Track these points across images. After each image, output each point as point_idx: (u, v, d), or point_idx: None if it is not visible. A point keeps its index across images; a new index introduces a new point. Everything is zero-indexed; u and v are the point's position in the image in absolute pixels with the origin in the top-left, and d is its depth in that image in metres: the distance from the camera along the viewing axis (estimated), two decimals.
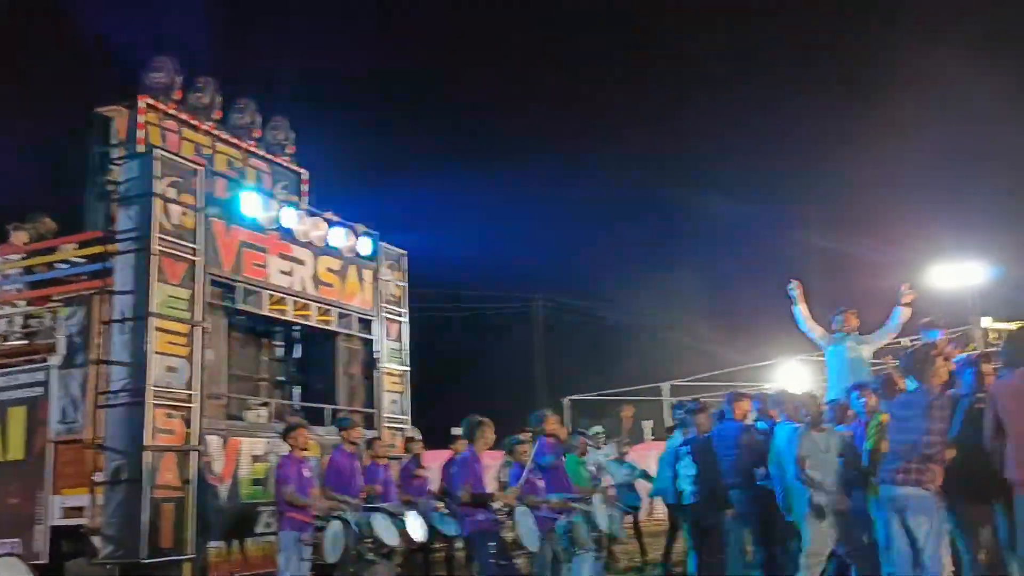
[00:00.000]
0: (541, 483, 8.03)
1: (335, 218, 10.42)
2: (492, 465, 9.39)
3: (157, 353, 7.98)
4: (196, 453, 8.11)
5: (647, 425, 20.54)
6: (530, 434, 8.13)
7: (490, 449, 8.07)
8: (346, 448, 9.03)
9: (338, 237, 10.40)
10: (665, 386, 21.81)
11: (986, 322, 12.87)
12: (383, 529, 8.65)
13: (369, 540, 8.52)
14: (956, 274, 18.71)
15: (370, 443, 9.63)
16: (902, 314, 9.07)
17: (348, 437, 9.06)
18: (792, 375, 18.80)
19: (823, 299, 9.67)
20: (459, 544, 10.50)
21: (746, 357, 22.26)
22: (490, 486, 7.87)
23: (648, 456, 15.13)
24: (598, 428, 11.40)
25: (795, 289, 9.32)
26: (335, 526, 8.18)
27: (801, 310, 9.29)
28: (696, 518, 8.21)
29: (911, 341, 8.73)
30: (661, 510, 13.02)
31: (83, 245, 9.39)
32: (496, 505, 7.37)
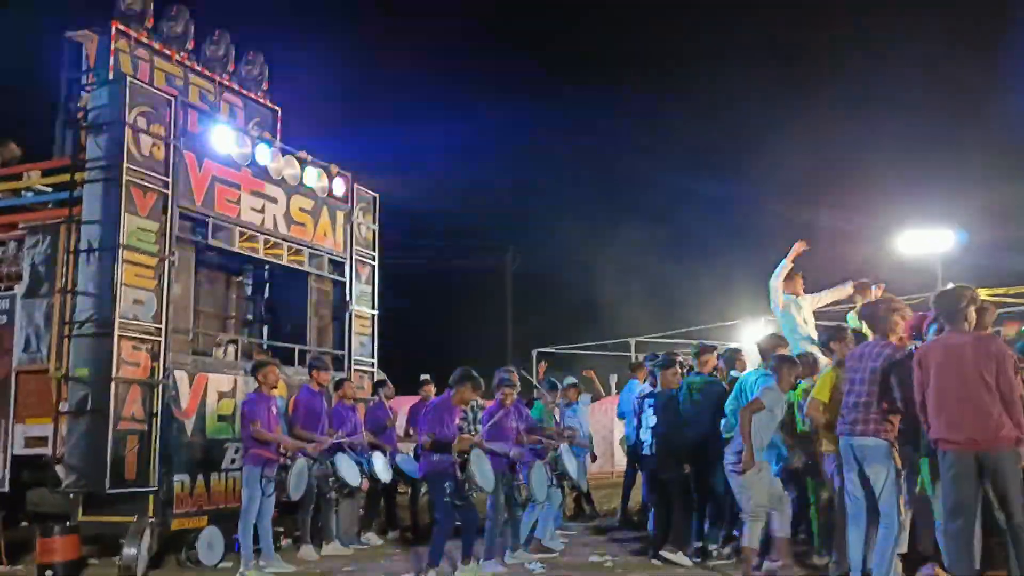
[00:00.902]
0: (511, 428, 8.11)
1: (309, 158, 10.30)
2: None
3: (124, 285, 7.88)
4: (162, 387, 8.07)
5: (613, 379, 20.74)
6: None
7: None
8: (313, 387, 9.05)
9: (312, 177, 10.28)
10: (632, 342, 22.01)
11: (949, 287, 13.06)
12: (346, 469, 8.73)
13: (333, 479, 8.61)
14: (923, 241, 18.96)
15: (339, 384, 9.65)
16: (842, 288, 9.30)
17: (318, 378, 9.07)
18: (758, 335, 18.99)
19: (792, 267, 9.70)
20: (424, 488, 10.62)
21: (713, 317, 22.50)
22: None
23: (612, 408, 15.33)
24: (572, 379, 11.50)
25: (797, 247, 9.23)
26: (300, 464, 8.24)
27: (784, 266, 9.19)
28: (654, 470, 8.28)
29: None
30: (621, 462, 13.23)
31: (50, 173, 9.20)
32: (456, 450, 7.39)
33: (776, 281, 9.16)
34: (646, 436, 8.23)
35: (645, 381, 9.83)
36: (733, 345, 15.89)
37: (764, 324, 19.28)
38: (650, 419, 8.15)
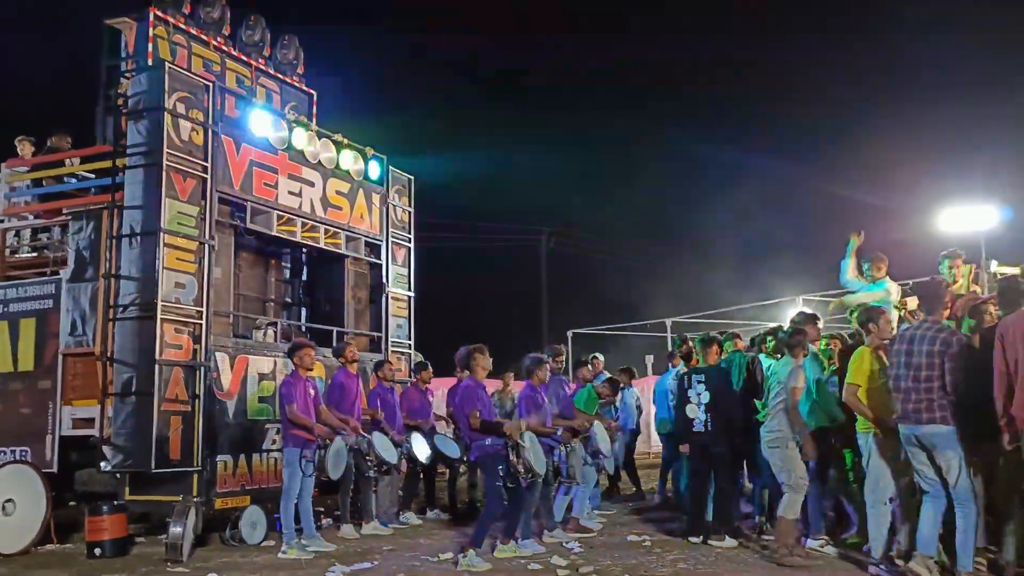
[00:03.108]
0: (545, 408, 8.13)
1: (345, 140, 10.36)
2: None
3: (166, 269, 8.00)
4: (204, 369, 8.19)
5: (649, 359, 20.70)
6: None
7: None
8: (349, 369, 9.13)
9: (348, 160, 10.35)
10: (668, 323, 21.91)
11: (993, 266, 12.77)
12: (383, 448, 8.82)
13: (370, 458, 8.70)
14: (965, 218, 18.59)
15: (380, 366, 9.73)
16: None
17: (348, 359, 9.15)
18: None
19: (829, 246, 9.57)
20: (462, 469, 10.70)
21: (750, 297, 22.34)
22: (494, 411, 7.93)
23: (648, 389, 15.30)
24: (598, 355, 11.52)
25: (856, 240, 9.13)
26: (338, 444, 8.33)
27: (849, 265, 9.12)
28: (707, 446, 8.19)
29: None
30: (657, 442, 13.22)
31: (91, 159, 9.35)
32: (507, 433, 7.40)
33: (849, 276, 9.04)
34: (696, 413, 8.11)
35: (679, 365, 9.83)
36: (772, 325, 15.78)
37: (802, 303, 19.14)
38: (702, 395, 8.09)
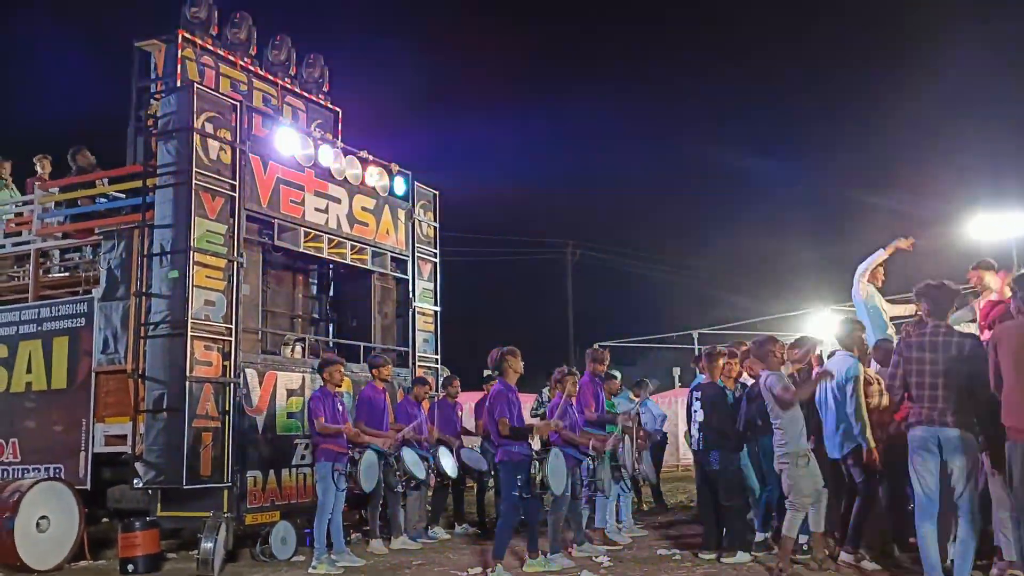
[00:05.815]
0: (576, 421, 8.13)
1: (370, 157, 10.45)
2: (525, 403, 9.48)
3: (195, 287, 8.09)
4: (234, 385, 8.27)
5: (676, 372, 20.62)
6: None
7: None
8: (377, 384, 9.17)
9: (373, 176, 10.43)
10: (695, 334, 21.83)
11: None
12: (413, 463, 8.84)
13: (399, 472, 8.73)
14: (997, 225, 18.34)
15: (421, 382, 9.81)
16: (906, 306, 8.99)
17: (380, 375, 9.19)
18: (824, 325, 18.71)
19: (856, 254, 9.47)
20: (490, 483, 10.68)
21: (778, 307, 22.21)
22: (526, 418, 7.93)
23: (676, 402, 15.25)
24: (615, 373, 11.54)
25: (901, 244, 9.09)
26: (369, 456, 8.37)
27: (880, 257, 9.07)
28: (703, 465, 8.08)
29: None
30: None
31: (121, 180, 9.49)
32: (538, 435, 7.42)
33: (863, 268, 8.95)
34: (694, 430, 8.01)
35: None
36: (798, 335, 15.65)
37: (830, 313, 18.99)
38: (697, 413, 7.97)
